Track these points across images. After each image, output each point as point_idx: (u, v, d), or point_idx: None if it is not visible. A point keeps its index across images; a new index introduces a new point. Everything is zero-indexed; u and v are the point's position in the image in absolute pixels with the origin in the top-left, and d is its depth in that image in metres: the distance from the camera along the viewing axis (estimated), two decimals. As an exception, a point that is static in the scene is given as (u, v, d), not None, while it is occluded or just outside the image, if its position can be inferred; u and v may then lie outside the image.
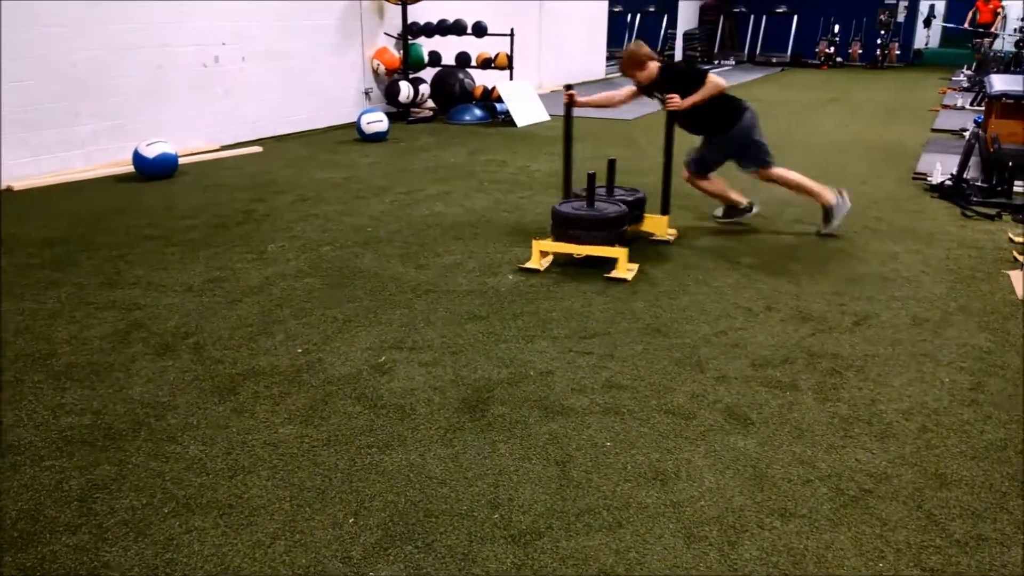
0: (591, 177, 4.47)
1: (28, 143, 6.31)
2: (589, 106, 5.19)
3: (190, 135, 7.61)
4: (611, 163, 4.91)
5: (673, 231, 5.07)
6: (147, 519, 2.29)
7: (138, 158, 6.45)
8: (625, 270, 4.30)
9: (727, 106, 4.96)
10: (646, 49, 4.98)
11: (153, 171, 6.47)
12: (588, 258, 4.50)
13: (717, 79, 4.84)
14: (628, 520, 2.31)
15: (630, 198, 4.84)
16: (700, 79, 4.84)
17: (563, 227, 4.42)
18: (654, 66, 4.91)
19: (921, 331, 3.67)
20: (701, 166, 5.20)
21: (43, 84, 6.34)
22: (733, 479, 2.52)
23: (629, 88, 5.11)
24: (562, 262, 4.54)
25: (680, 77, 4.97)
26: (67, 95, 6.53)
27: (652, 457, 2.63)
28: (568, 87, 4.99)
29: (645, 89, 5.01)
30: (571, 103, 4.90)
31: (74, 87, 6.57)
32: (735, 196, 5.35)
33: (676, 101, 4.78)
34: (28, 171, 6.31)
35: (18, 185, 6.09)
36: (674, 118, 4.92)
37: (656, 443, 2.72)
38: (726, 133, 4.98)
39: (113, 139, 6.88)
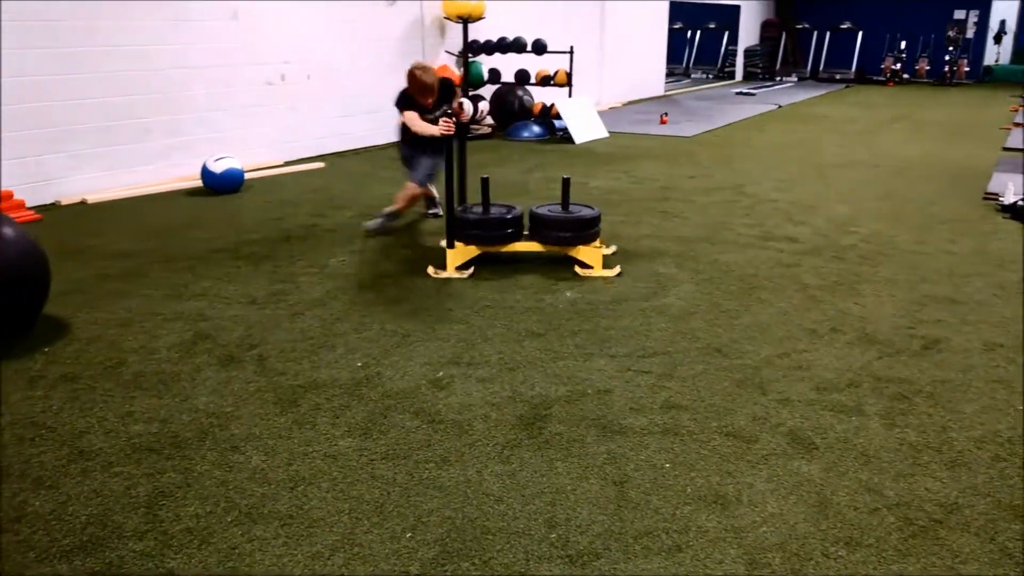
0: (566, 181, 4.80)
1: (103, 157, 6.54)
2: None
3: (256, 151, 7.80)
4: (484, 181, 4.78)
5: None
6: (211, 527, 2.34)
7: (206, 173, 6.63)
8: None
9: None
10: None
11: (220, 185, 6.64)
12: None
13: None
14: (688, 544, 2.28)
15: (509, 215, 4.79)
16: (453, 89, 5.23)
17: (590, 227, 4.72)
18: None
19: (994, 356, 3.55)
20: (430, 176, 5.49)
21: (117, 101, 6.56)
22: (796, 505, 2.46)
23: (415, 112, 5.08)
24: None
25: (448, 89, 5.23)
26: (140, 111, 6.75)
27: (712, 480, 2.59)
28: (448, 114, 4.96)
29: (428, 109, 5.09)
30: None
31: (146, 104, 6.79)
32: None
33: (466, 112, 4.87)
34: (103, 184, 6.53)
35: (92, 198, 6.31)
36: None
37: (716, 466, 2.67)
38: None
39: (183, 154, 7.09)
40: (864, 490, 2.54)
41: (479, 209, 4.79)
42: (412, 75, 5.10)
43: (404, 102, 5.18)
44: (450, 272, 4.59)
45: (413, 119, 5.08)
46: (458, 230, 4.67)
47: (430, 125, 4.92)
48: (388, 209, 5.52)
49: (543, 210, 4.79)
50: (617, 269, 4.66)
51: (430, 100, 5.10)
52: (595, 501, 2.47)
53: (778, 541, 2.29)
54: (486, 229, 4.68)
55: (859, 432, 2.90)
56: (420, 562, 2.20)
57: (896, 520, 2.40)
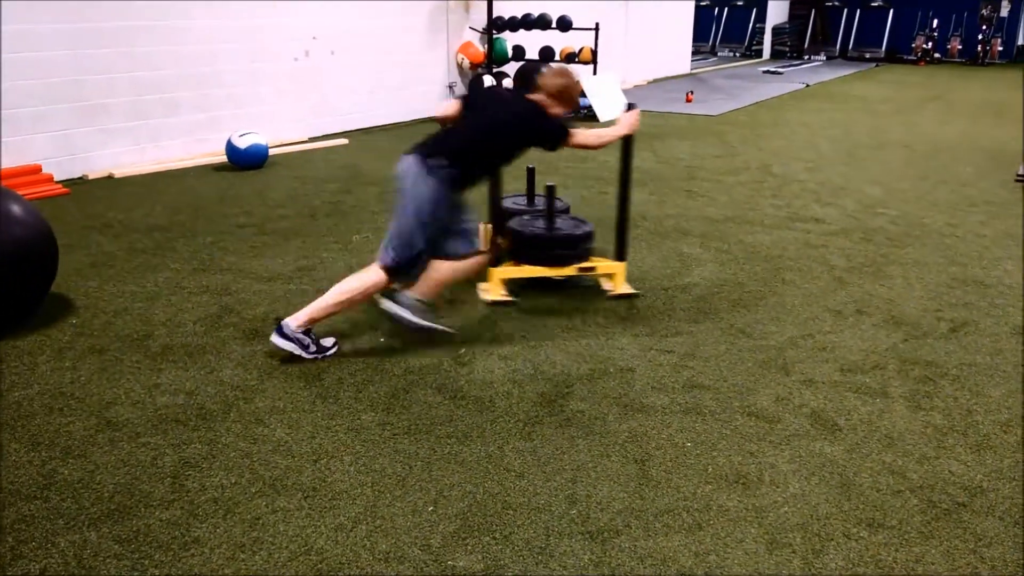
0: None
1: (134, 132, 6.59)
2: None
3: (282, 126, 7.82)
4: (530, 171, 4.39)
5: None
6: (235, 498, 2.37)
7: (231, 148, 6.66)
8: None
9: None
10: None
11: (245, 161, 6.66)
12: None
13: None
14: (708, 522, 2.28)
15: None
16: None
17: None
18: None
19: (1022, 340, 3.50)
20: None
21: (149, 77, 6.60)
22: (819, 486, 2.45)
23: None
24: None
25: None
26: (170, 87, 6.79)
27: (734, 460, 2.58)
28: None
29: None
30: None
31: (176, 79, 6.82)
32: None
33: None
34: (133, 159, 6.59)
35: (119, 172, 6.36)
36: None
37: (738, 446, 2.66)
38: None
39: (211, 129, 7.13)
40: (887, 472, 2.53)
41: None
42: (569, 79, 3.60)
43: (557, 121, 3.57)
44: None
45: (591, 133, 3.73)
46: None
47: (608, 128, 3.83)
48: (420, 296, 3.39)
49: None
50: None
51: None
52: (616, 478, 2.48)
53: (799, 521, 2.29)
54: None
55: (883, 414, 2.87)
56: (441, 535, 2.22)
57: (919, 502, 2.38)
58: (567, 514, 2.31)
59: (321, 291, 3.97)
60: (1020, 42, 20.20)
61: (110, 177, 6.32)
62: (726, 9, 20.94)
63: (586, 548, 2.17)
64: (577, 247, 3.97)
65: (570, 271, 3.96)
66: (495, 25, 9.68)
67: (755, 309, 3.81)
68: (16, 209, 3.47)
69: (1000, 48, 19.04)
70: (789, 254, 4.63)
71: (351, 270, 4.27)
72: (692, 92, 11.77)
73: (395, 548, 2.17)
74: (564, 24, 9.67)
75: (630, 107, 3.94)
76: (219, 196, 5.82)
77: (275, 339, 3.21)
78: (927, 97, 12.48)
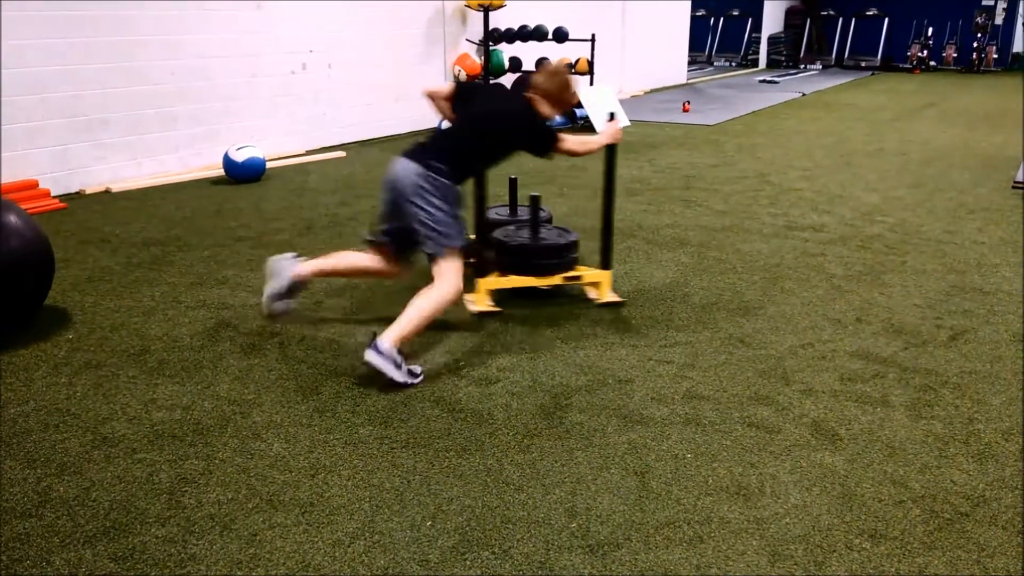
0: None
1: (132, 146, 6.58)
2: None
3: (279, 140, 7.82)
4: (512, 182, 4.38)
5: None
6: (232, 514, 2.35)
7: (228, 162, 6.65)
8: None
9: None
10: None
11: (242, 174, 6.66)
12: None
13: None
14: (709, 535, 2.26)
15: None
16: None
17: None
18: None
19: (1022, 348, 3.48)
20: None
21: (145, 91, 6.60)
22: (820, 497, 2.43)
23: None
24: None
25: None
26: (166, 101, 6.79)
27: (735, 471, 2.57)
28: None
29: None
30: None
31: (173, 94, 6.82)
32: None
33: None
34: (130, 173, 6.58)
35: (116, 187, 6.36)
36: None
37: (739, 457, 2.65)
38: None
39: (208, 143, 7.13)
40: (889, 482, 2.51)
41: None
42: (562, 79, 3.67)
43: (547, 125, 3.62)
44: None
45: (577, 139, 3.77)
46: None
47: (592, 136, 3.84)
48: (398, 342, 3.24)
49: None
50: None
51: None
52: (616, 491, 2.46)
53: (801, 533, 2.27)
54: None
55: (884, 423, 2.86)
56: (440, 550, 2.20)
57: (921, 512, 2.36)
58: (567, 527, 2.29)
59: (319, 303, 3.98)
60: (1015, 50, 20.28)
61: (107, 191, 6.31)
62: (722, 19, 21.03)
63: (586, 562, 2.15)
64: (563, 256, 3.97)
65: (556, 280, 3.96)
66: (492, 37, 9.70)
67: (754, 318, 3.80)
68: (12, 220, 3.49)
69: (995, 56, 19.11)
70: (787, 263, 4.62)
71: (349, 283, 4.27)
72: (689, 102, 11.79)
73: (393, 564, 2.15)
74: (560, 35, 9.70)
75: (611, 117, 4.00)
76: (216, 210, 5.81)
77: (370, 355, 3.06)
78: (922, 105, 12.51)
